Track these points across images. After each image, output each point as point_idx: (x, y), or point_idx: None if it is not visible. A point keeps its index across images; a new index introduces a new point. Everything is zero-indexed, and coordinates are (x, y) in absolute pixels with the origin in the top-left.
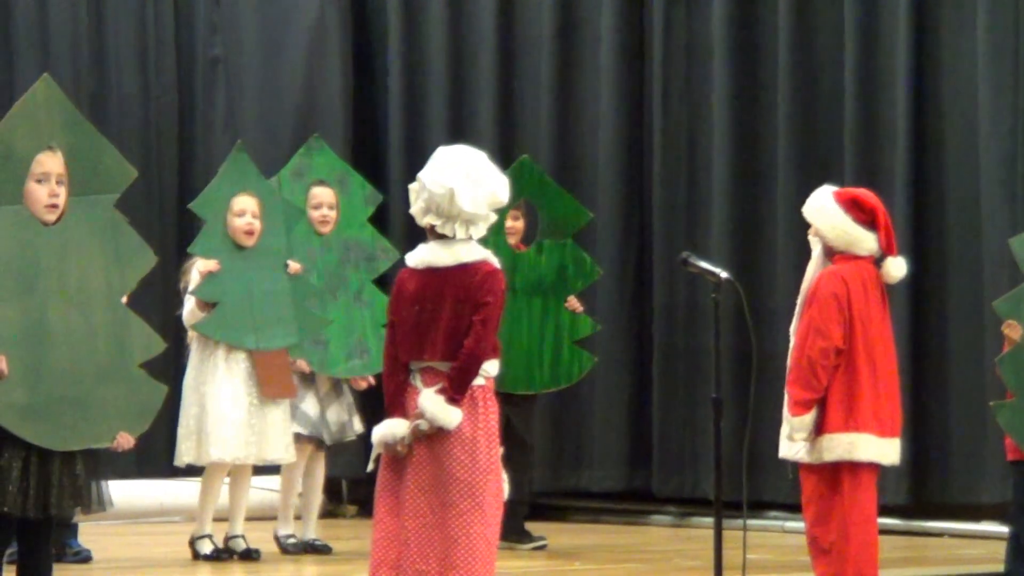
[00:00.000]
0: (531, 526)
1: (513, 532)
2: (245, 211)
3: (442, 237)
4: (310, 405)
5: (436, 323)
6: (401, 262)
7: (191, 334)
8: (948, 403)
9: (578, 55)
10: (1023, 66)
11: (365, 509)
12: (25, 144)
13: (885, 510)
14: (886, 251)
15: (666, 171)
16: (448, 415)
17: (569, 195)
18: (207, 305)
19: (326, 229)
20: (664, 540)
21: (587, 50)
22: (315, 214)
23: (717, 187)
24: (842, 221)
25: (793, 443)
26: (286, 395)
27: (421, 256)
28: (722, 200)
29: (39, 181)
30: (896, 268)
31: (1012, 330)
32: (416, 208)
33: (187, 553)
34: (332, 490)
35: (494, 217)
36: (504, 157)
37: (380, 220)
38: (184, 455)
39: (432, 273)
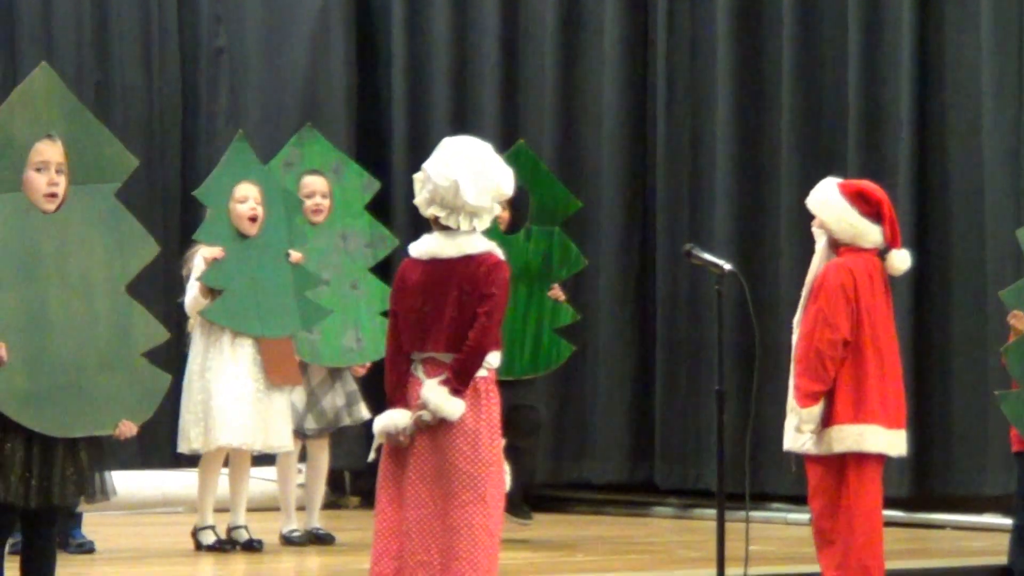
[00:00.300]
0: (534, 517)
1: (511, 506)
2: (248, 198)
3: (446, 228)
4: (298, 397)
5: (440, 314)
6: (399, 250)
7: (192, 322)
8: (951, 395)
9: (582, 46)
10: None
11: (368, 500)
12: (24, 132)
13: (888, 502)
14: (890, 244)
15: (669, 163)
16: (451, 407)
17: (560, 183)
18: (211, 292)
19: (319, 218)
20: (666, 532)
21: (591, 41)
22: (307, 203)
23: (720, 179)
24: (848, 213)
25: (800, 435)
26: (292, 382)
27: (426, 247)
28: (725, 192)
29: (38, 170)
30: (900, 260)
31: (1018, 320)
32: (420, 199)
33: (190, 544)
34: (334, 481)
35: (498, 209)
36: (507, 148)
37: (383, 209)
38: (193, 441)
39: (437, 264)
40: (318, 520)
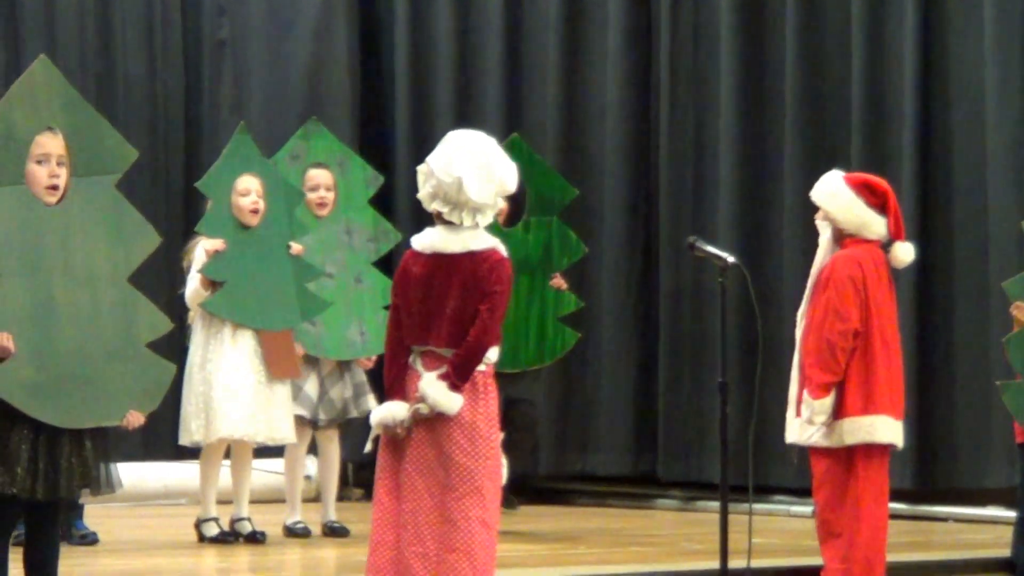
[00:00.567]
0: (536, 509)
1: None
2: (249, 190)
3: (449, 223)
4: (312, 387)
5: (441, 309)
6: (402, 243)
7: (193, 313)
8: (954, 387)
9: (585, 38)
10: None
11: (371, 492)
12: (25, 125)
13: (891, 494)
14: (894, 236)
15: (673, 155)
16: (450, 401)
17: (556, 172)
18: (212, 284)
19: (323, 212)
20: (669, 524)
21: (594, 33)
22: (312, 196)
23: (724, 171)
24: (854, 205)
25: (809, 427)
26: (292, 375)
27: (428, 241)
28: (729, 184)
29: (39, 162)
30: (904, 253)
31: (1020, 311)
32: (424, 193)
33: (193, 536)
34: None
35: (501, 204)
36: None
37: (386, 202)
38: (195, 433)
39: (439, 258)
40: (334, 513)
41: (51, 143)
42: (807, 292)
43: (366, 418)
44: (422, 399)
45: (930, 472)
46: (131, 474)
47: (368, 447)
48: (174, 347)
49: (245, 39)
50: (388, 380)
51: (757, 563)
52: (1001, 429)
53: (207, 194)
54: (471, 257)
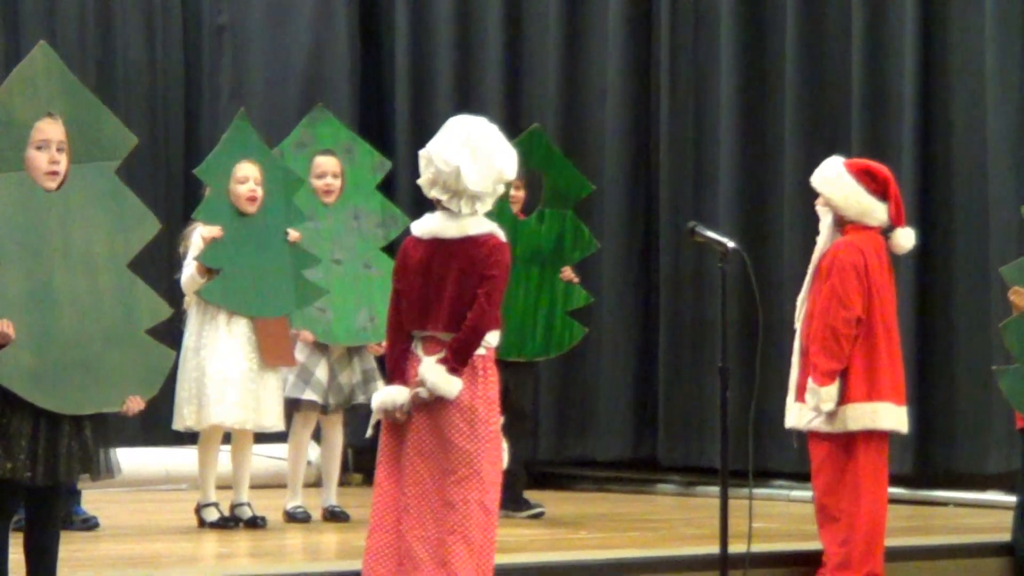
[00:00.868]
0: (537, 495)
1: (511, 500)
2: (248, 178)
3: (449, 210)
4: (322, 372)
5: (440, 294)
6: (409, 230)
7: (188, 299)
8: (954, 372)
9: (585, 24)
10: None
11: (370, 477)
12: (24, 111)
13: (891, 479)
14: (895, 222)
15: (673, 141)
16: (448, 385)
17: (573, 166)
18: (208, 271)
19: (330, 199)
20: (670, 509)
21: (594, 19)
22: (319, 183)
23: (724, 157)
24: (855, 191)
25: (808, 412)
26: (285, 363)
27: (428, 226)
28: (729, 170)
29: (39, 148)
30: (905, 239)
31: (1018, 296)
32: (424, 180)
33: (193, 521)
34: None
35: (501, 189)
36: (511, 126)
37: (386, 188)
38: (187, 419)
39: (438, 244)
40: (335, 497)
41: (51, 129)
42: (807, 278)
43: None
44: (421, 383)
45: (930, 457)
46: (131, 459)
47: (369, 432)
48: (170, 332)
49: (245, 24)
50: (389, 365)
51: (757, 548)
52: (1001, 414)
53: (205, 181)
54: (469, 242)
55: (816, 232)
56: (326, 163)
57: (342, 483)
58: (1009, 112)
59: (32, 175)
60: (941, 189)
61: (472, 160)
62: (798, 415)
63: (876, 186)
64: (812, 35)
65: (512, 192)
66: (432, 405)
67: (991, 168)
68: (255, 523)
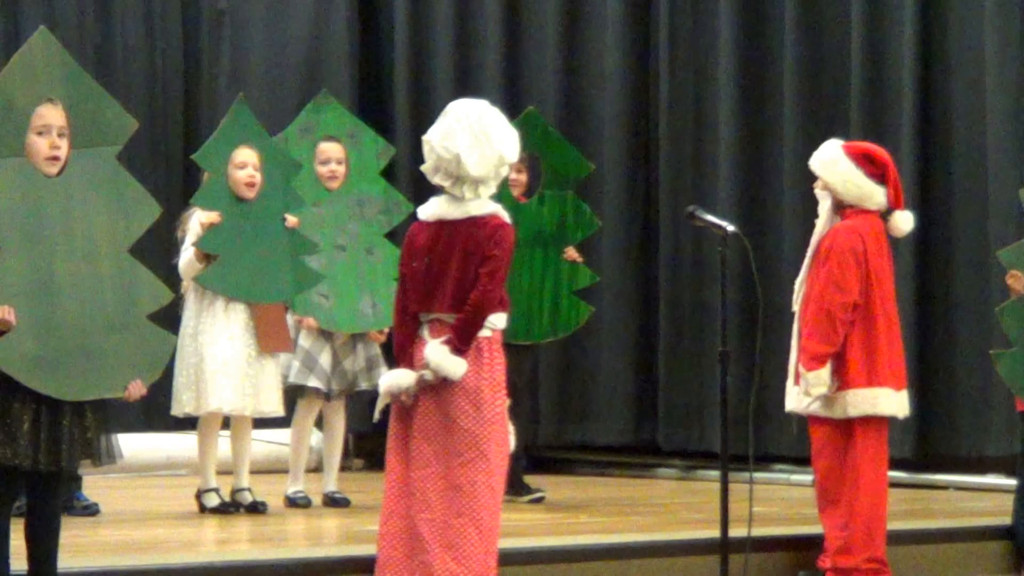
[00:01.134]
0: (537, 479)
1: (510, 485)
2: (246, 163)
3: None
4: (326, 359)
5: (445, 275)
6: (414, 215)
7: (186, 284)
8: (954, 356)
9: (585, 7)
10: None
11: (371, 462)
12: (25, 97)
13: (891, 463)
14: (894, 205)
15: (673, 125)
16: (453, 365)
17: (572, 146)
18: (206, 256)
19: (334, 184)
20: (670, 493)
21: (594, 3)
22: (323, 169)
23: (724, 141)
24: (854, 175)
25: (807, 397)
26: (282, 349)
27: (432, 209)
28: (728, 154)
29: (40, 133)
30: (904, 222)
31: (1016, 280)
32: (426, 166)
33: (194, 506)
34: None
35: (505, 172)
36: (511, 110)
37: (386, 173)
38: (186, 405)
39: (442, 226)
40: (336, 483)
41: (51, 114)
42: (806, 261)
43: (375, 390)
44: (426, 365)
45: (930, 440)
46: (132, 445)
47: (377, 416)
48: (167, 317)
49: (244, 9)
50: (396, 349)
51: (757, 532)
52: (1001, 397)
53: (204, 166)
54: (472, 222)
55: (815, 215)
56: (330, 149)
57: (343, 468)
58: (1008, 96)
59: (33, 161)
60: (940, 173)
61: (472, 145)
62: (798, 399)
63: (875, 169)
64: (811, 19)
65: (513, 175)
66: (438, 388)
67: (990, 152)
68: (256, 508)
